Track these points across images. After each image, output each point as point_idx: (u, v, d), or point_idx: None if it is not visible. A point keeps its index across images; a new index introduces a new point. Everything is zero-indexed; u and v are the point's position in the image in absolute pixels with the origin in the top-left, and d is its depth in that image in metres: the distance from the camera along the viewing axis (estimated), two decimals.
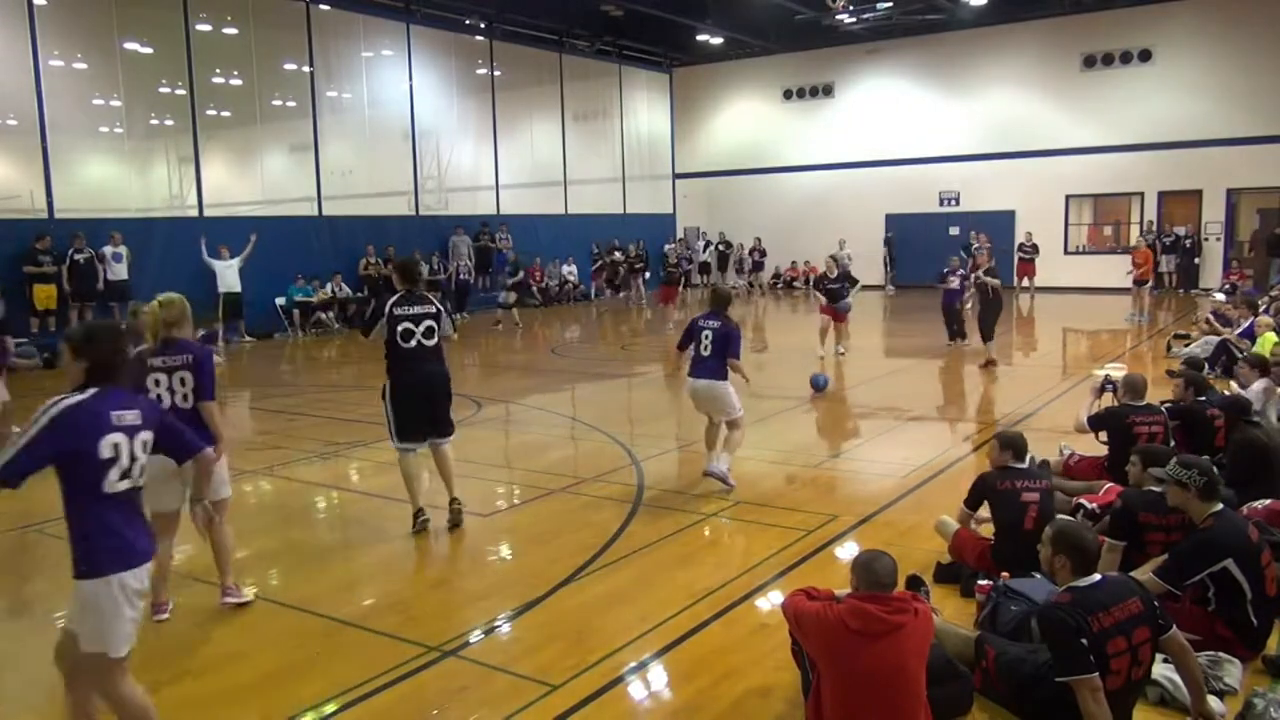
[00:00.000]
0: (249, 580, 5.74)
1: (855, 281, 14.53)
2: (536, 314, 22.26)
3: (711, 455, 7.35)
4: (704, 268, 28.77)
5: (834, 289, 14.03)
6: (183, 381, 4.92)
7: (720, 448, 7.32)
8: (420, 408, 6.26)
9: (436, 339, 6.29)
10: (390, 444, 6.40)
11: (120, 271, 16.47)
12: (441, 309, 6.39)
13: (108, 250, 16.35)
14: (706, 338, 7.20)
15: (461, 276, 21.82)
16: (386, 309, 6.20)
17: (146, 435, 3.40)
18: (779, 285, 28.84)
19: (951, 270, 14.20)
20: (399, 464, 6.38)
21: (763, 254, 27.40)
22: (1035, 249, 22.15)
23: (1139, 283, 18.04)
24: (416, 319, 6.21)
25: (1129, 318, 17.86)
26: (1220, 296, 14.11)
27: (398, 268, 6.66)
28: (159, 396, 4.83)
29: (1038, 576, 4.39)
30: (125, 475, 3.29)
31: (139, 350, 4.91)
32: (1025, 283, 22.55)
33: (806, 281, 28.38)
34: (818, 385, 11.25)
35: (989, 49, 25.38)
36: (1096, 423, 6.61)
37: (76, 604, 3.25)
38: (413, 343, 6.17)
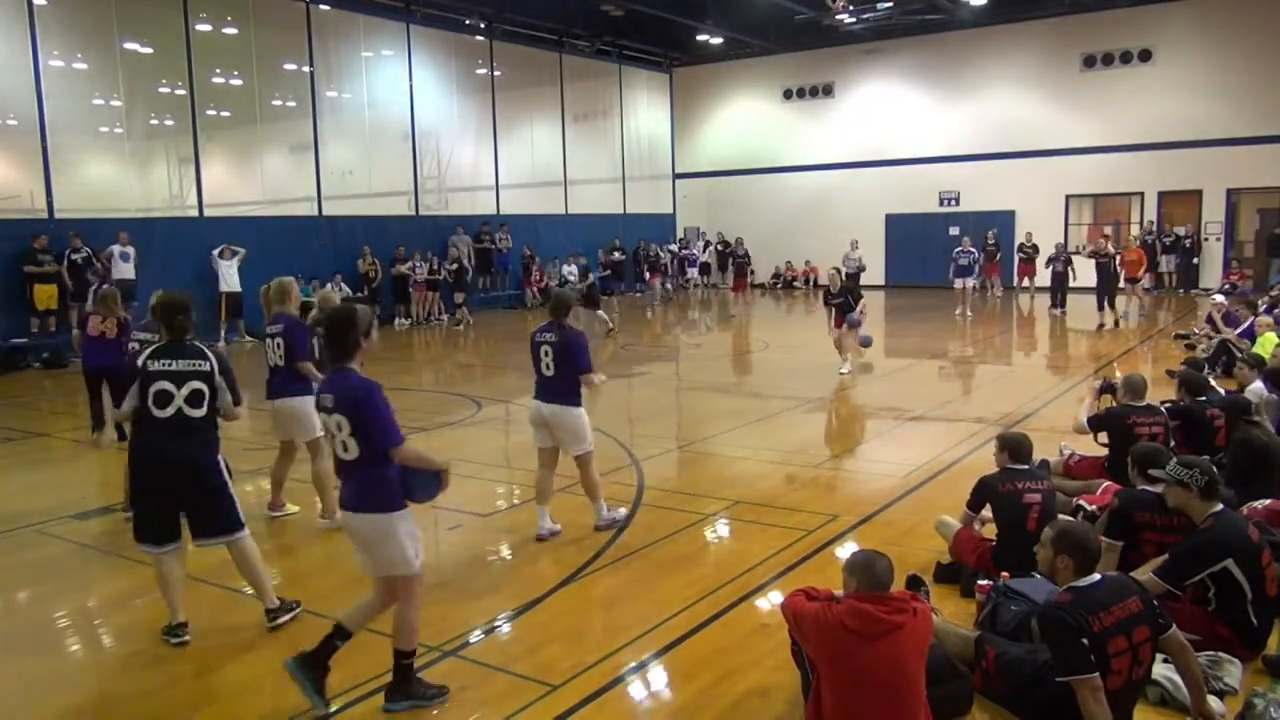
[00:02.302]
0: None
1: (859, 296, 12.84)
2: (539, 314, 22.23)
3: (543, 512, 6.12)
4: (704, 268, 28.78)
5: (839, 303, 12.59)
6: (279, 345, 6.32)
7: (565, 498, 6.25)
8: (159, 500, 4.71)
9: (206, 410, 4.73)
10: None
11: (126, 270, 16.49)
12: (217, 369, 4.77)
13: (115, 249, 16.39)
14: (546, 354, 6.03)
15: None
16: (139, 362, 4.73)
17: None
18: (779, 285, 28.85)
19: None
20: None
21: (745, 257, 25.04)
22: (1035, 249, 22.18)
23: (1131, 280, 18.07)
24: (179, 378, 4.68)
25: (1124, 314, 17.97)
26: (1219, 298, 14.12)
27: (160, 307, 4.96)
28: (269, 355, 6.39)
29: (1038, 576, 4.38)
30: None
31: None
32: (1025, 283, 22.56)
33: (807, 281, 28.42)
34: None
35: (989, 49, 25.39)
36: (1096, 424, 6.60)
37: (392, 532, 3.92)
38: (169, 410, 4.64)
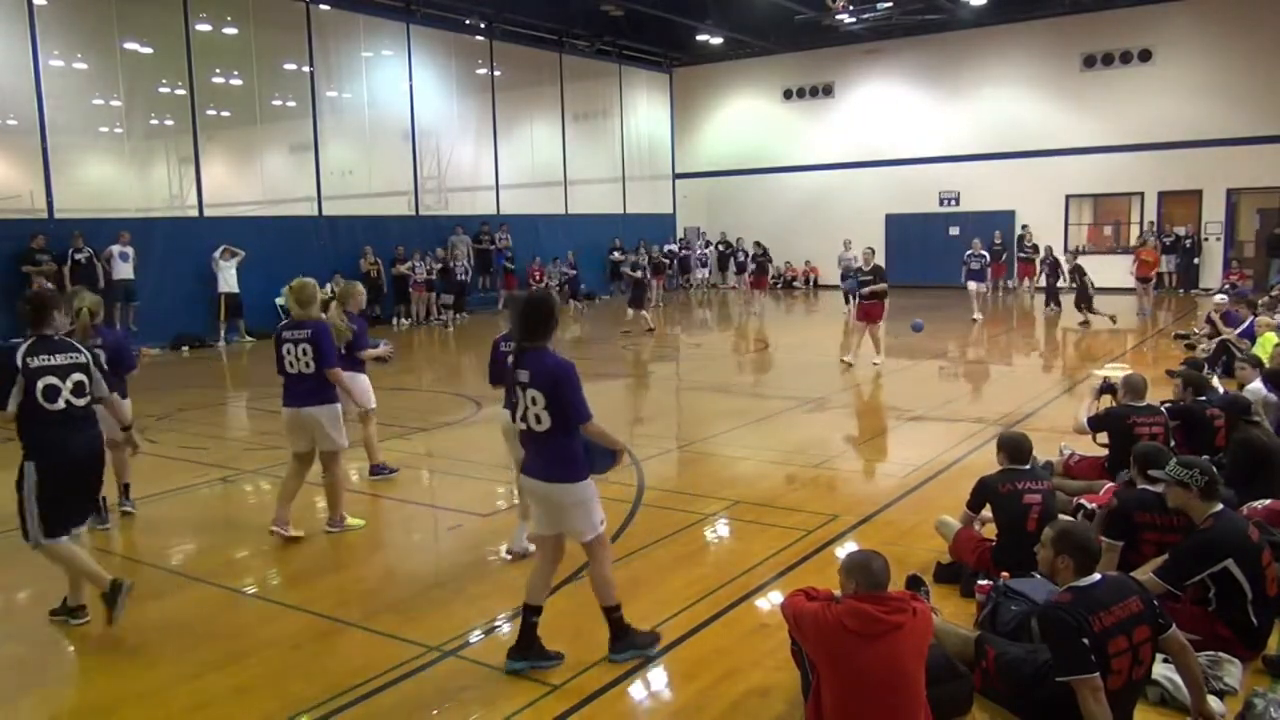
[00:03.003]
0: (248, 580, 5.75)
1: (884, 279, 13.26)
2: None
3: (522, 527, 5.80)
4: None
5: (867, 279, 13.10)
6: (305, 351, 6.17)
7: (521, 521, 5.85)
8: (72, 488, 4.89)
9: (88, 400, 4.91)
10: (31, 543, 4.84)
11: (126, 270, 16.51)
12: (90, 360, 4.95)
13: (115, 249, 16.40)
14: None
15: (459, 277, 21.81)
16: (18, 361, 4.69)
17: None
18: (779, 285, 28.84)
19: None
20: (52, 558, 4.92)
21: (752, 255, 26.08)
22: (1036, 249, 22.16)
23: (1143, 280, 18.06)
24: (62, 371, 4.80)
25: (1139, 313, 17.98)
26: (1221, 298, 14.12)
27: (30, 302, 4.98)
28: (290, 362, 6.20)
29: (1038, 576, 4.38)
30: None
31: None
32: (1026, 284, 22.56)
33: (807, 281, 28.42)
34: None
35: (989, 49, 25.39)
36: (1096, 424, 6.60)
37: (580, 499, 4.27)
38: (59, 403, 4.76)
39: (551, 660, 4.38)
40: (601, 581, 4.42)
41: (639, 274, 19.15)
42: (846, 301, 14.07)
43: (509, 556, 5.82)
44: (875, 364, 12.87)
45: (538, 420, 4.22)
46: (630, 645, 4.42)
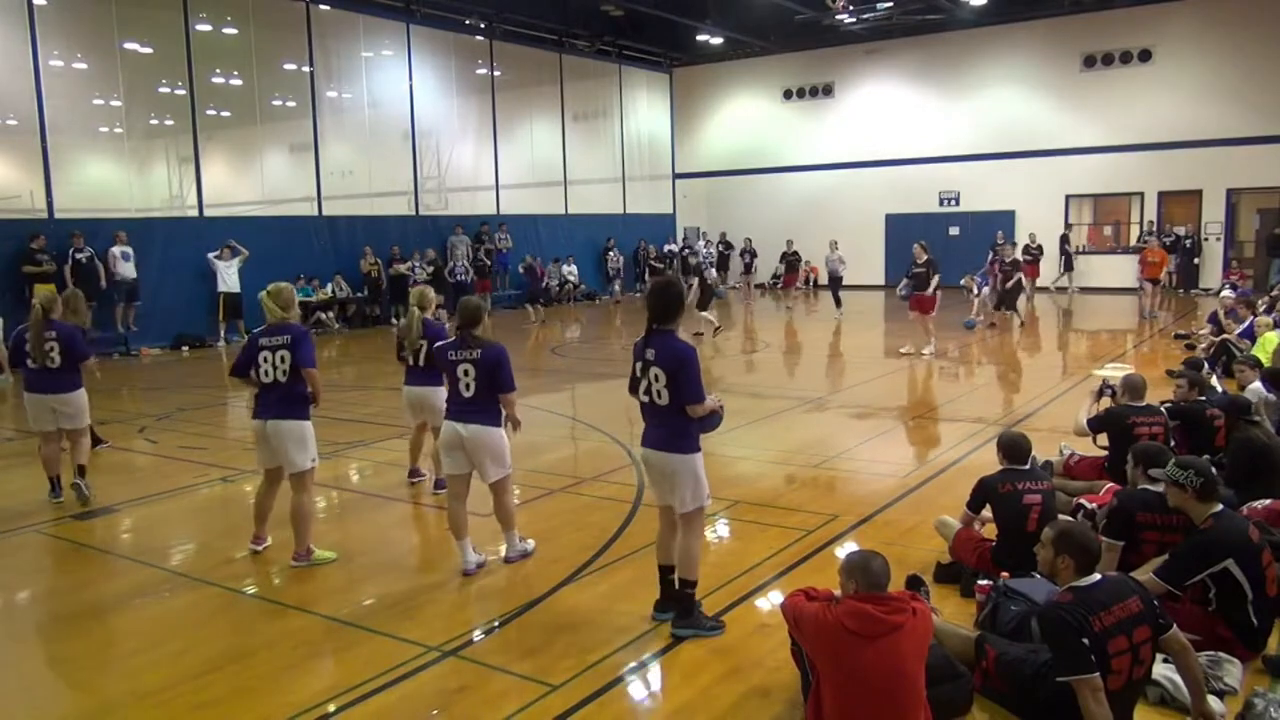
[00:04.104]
0: (248, 580, 5.75)
1: (937, 270, 13.98)
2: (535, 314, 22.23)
3: (464, 544, 5.63)
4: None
5: (920, 273, 13.84)
6: (283, 359, 5.72)
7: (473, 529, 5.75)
8: None
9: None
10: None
11: (128, 270, 16.50)
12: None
13: (116, 250, 16.39)
14: (466, 373, 5.46)
15: (458, 277, 21.80)
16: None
17: None
18: (779, 285, 28.78)
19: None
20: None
21: (795, 255, 25.68)
22: (1041, 250, 22.06)
23: (1152, 281, 18.00)
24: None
25: (1147, 314, 17.92)
26: (1228, 293, 14.11)
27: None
28: (265, 370, 5.76)
29: (1038, 576, 4.39)
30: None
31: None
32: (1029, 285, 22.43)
33: (807, 281, 28.39)
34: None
35: (989, 49, 25.39)
36: (1097, 425, 6.60)
37: (691, 470, 4.59)
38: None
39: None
40: (687, 554, 4.68)
41: (706, 276, 17.28)
42: (905, 297, 14.65)
43: (469, 574, 5.56)
44: (925, 354, 13.75)
45: (659, 396, 4.58)
46: (694, 624, 4.65)
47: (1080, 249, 24.98)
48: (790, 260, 24.90)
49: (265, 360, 5.73)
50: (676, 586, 4.74)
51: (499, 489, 5.66)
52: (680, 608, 4.68)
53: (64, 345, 7.02)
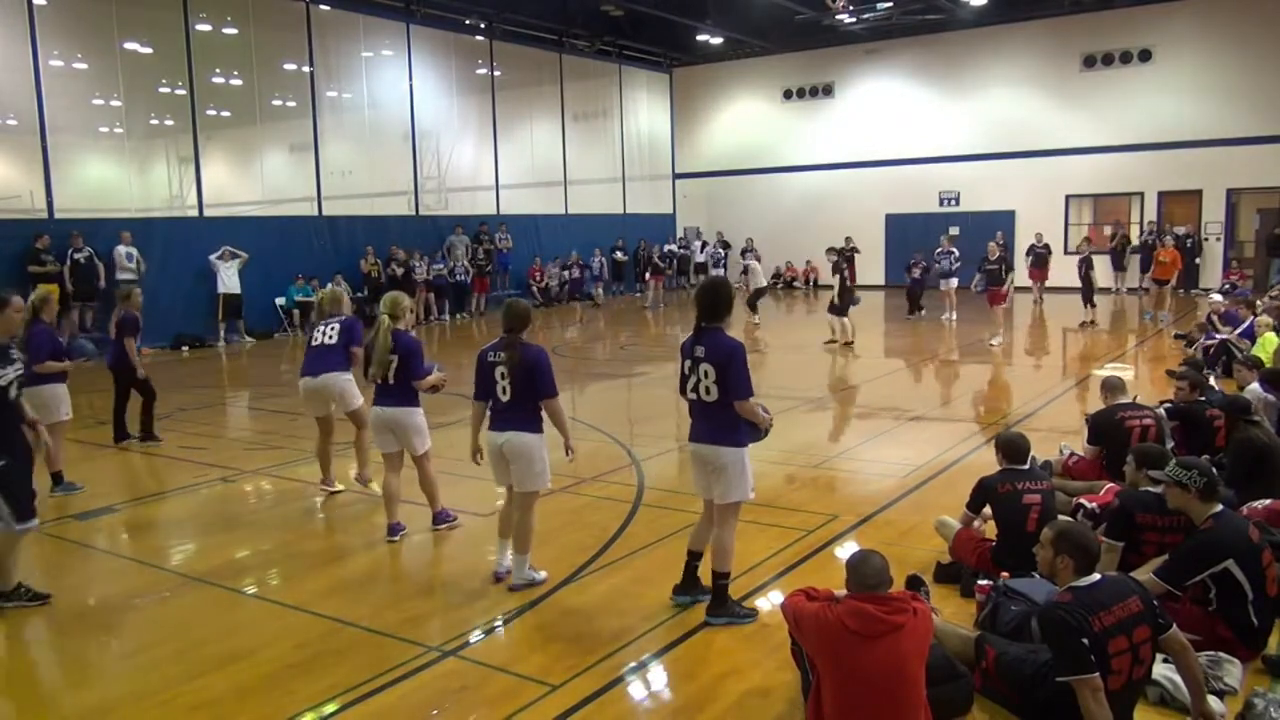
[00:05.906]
0: (248, 580, 5.75)
1: (1011, 267, 15.52)
2: (537, 314, 22.19)
3: (506, 545, 5.50)
4: (700, 268, 28.66)
5: (993, 270, 14.98)
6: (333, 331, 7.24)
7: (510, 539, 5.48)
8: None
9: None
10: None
11: (131, 270, 16.49)
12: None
13: (121, 250, 16.39)
14: (503, 376, 5.22)
15: (458, 277, 21.79)
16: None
17: None
18: (779, 285, 28.82)
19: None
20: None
21: (757, 256, 24.89)
22: (1048, 249, 21.89)
23: (1160, 282, 17.95)
24: None
25: (1148, 316, 17.88)
26: (1218, 297, 14.13)
27: None
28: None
29: (1038, 576, 4.39)
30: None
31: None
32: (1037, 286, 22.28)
33: (807, 281, 28.41)
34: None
35: (989, 49, 25.38)
36: (1093, 437, 6.64)
37: (737, 463, 4.70)
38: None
39: (709, 595, 4.88)
40: (721, 547, 4.80)
41: (842, 276, 15.54)
42: (981, 291, 16.01)
43: (501, 578, 5.45)
44: (993, 345, 14.60)
45: (708, 392, 4.68)
46: (728, 613, 4.80)
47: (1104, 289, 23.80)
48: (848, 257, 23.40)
49: (322, 333, 7.36)
50: (704, 576, 4.93)
51: (524, 505, 5.33)
52: (715, 599, 4.82)
53: (32, 349, 7.15)
